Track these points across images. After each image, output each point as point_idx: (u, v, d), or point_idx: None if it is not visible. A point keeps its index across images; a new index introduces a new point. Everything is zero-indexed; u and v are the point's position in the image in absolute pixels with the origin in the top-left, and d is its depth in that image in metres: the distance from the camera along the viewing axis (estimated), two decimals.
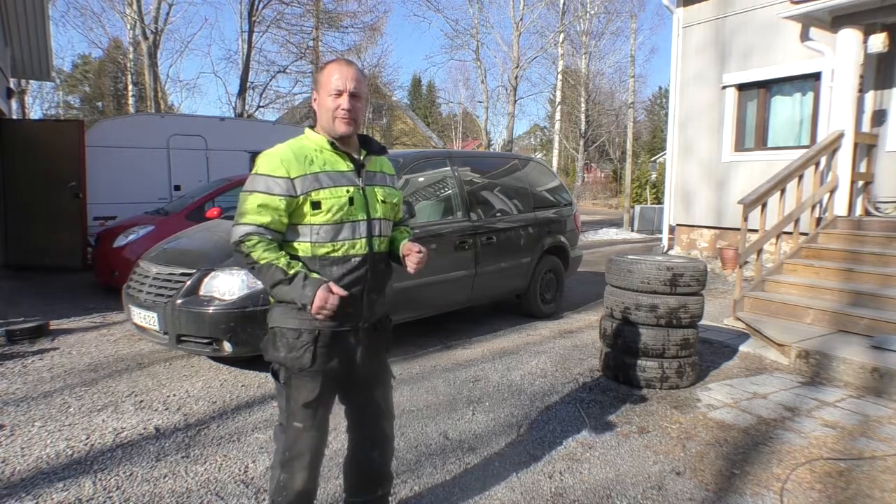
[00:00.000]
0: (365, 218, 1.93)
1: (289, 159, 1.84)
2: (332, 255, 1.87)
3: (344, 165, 1.93)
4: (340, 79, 1.88)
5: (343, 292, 1.81)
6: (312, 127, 2.01)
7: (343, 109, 1.87)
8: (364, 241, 1.93)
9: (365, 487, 2.20)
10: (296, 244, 1.88)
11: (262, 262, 1.79)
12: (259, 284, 3.93)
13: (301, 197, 1.83)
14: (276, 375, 1.93)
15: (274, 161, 1.84)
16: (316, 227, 1.86)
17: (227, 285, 3.96)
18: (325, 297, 1.76)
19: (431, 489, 2.67)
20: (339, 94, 1.88)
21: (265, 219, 1.81)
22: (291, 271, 1.79)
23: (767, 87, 8.12)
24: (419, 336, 5.17)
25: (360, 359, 1.98)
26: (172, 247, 4.70)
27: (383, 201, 2.01)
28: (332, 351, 1.91)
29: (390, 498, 2.56)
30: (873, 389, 3.95)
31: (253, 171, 1.87)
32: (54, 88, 30.62)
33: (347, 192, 1.89)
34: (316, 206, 1.84)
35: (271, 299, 1.96)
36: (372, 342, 2.02)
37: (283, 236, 1.87)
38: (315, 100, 1.96)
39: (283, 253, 1.84)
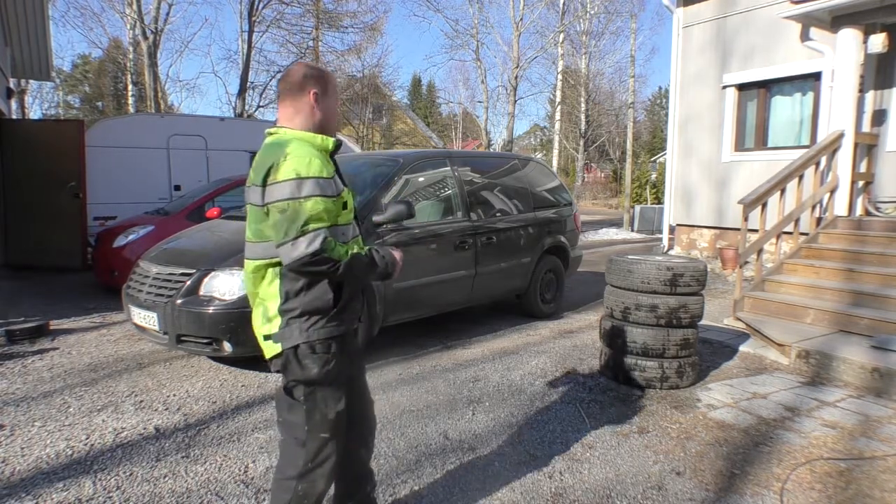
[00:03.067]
0: (355, 216, 2.02)
1: (322, 158, 1.80)
2: None
3: (332, 167, 1.92)
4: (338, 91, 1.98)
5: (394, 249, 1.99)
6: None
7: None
8: (360, 237, 2.01)
9: (356, 487, 2.20)
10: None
11: (346, 258, 1.76)
12: None
13: (339, 197, 1.83)
14: (290, 393, 1.85)
15: (315, 162, 1.74)
16: (342, 228, 1.86)
17: (227, 285, 3.96)
18: (399, 255, 1.98)
19: (431, 489, 2.67)
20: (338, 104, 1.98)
21: (329, 222, 1.75)
22: (364, 252, 1.87)
23: (767, 87, 8.12)
24: (419, 336, 5.17)
25: (357, 356, 2.06)
26: (172, 247, 4.70)
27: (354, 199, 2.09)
28: (348, 354, 1.92)
29: (390, 498, 2.57)
30: (873, 389, 3.95)
31: (291, 177, 1.70)
32: (54, 88, 30.61)
33: (348, 192, 1.94)
34: (345, 206, 1.87)
35: (278, 317, 1.81)
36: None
37: None
38: (317, 100, 1.89)
39: (342, 244, 1.81)
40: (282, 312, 1.81)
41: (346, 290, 1.86)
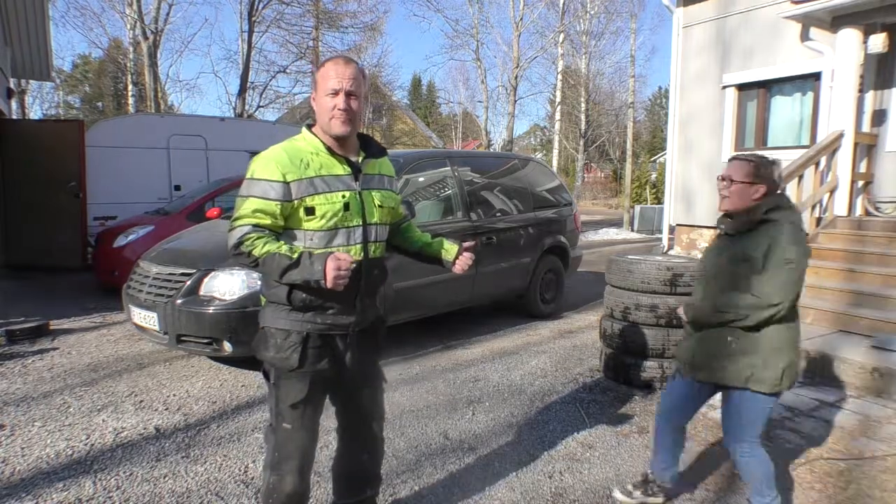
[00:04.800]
0: (360, 223, 1.89)
1: (284, 162, 1.80)
2: None
3: (340, 169, 1.87)
4: (336, 77, 1.82)
5: (349, 257, 1.75)
6: (311, 126, 1.94)
7: (339, 109, 1.81)
8: (359, 247, 1.89)
9: (355, 489, 2.20)
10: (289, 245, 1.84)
11: (265, 255, 1.75)
12: (259, 284, 3.94)
13: (296, 202, 1.79)
14: (266, 376, 1.94)
15: (269, 165, 1.80)
16: (309, 233, 1.83)
17: (227, 285, 3.97)
18: (336, 265, 1.71)
19: (431, 489, 2.67)
20: (336, 93, 1.82)
21: (263, 220, 1.79)
22: (295, 254, 1.75)
23: (767, 87, 8.12)
24: (419, 336, 5.17)
25: (350, 361, 1.96)
26: (172, 247, 4.71)
27: (380, 206, 1.96)
28: (322, 352, 1.88)
29: (390, 498, 2.57)
30: (873, 389, 3.94)
31: (248, 175, 1.83)
32: (54, 88, 30.57)
33: (343, 197, 1.84)
34: (310, 211, 1.80)
35: (262, 298, 1.95)
36: (363, 345, 2.00)
37: (279, 237, 1.84)
38: (314, 99, 1.91)
39: (283, 242, 1.80)
40: (262, 296, 1.96)
41: (306, 290, 1.81)
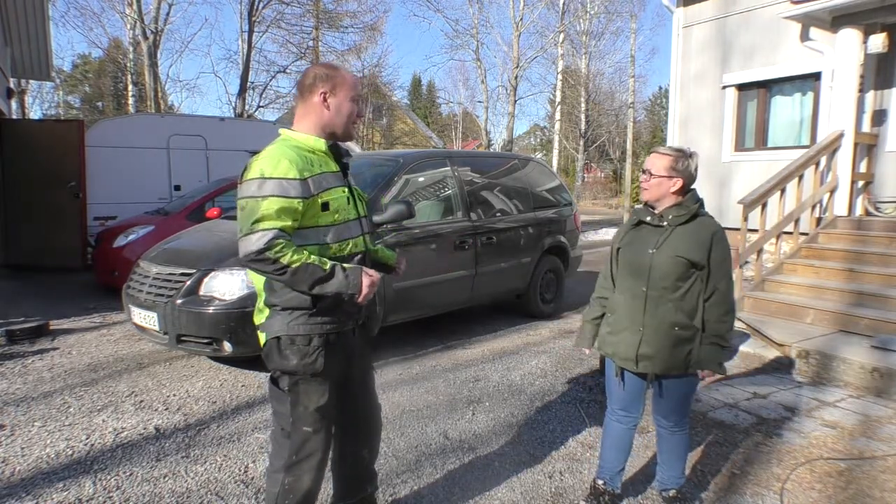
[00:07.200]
0: (357, 216, 1.97)
1: (296, 160, 1.78)
2: (339, 255, 1.88)
3: (334, 166, 1.93)
4: (357, 87, 1.93)
5: (375, 273, 1.85)
6: (289, 127, 1.96)
7: (360, 116, 1.96)
8: (361, 238, 1.97)
9: (356, 488, 2.21)
10: (305, 249, 1.80)
11: (296, 264, 1.70)
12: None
13: (313, 197, 1.80)
14: (276, 383, 1.91)
15: (282, 163, 1.76)
16: (323, 230, 1.84)
17: (227, 285, 3.96)
18: (371, 280, 1.81)
19: (431, 489, 2.67)
20: (358, 100, 1.93)
21: (286, 222, 1.73)
22: (327, 266, 1.75)
23: (767, 87, 8.12)
24: (419, 336, 5.17)
25: (356, 357, 2.03)
26: (172, 247, 4.70)
27: (364, 200, 2.08)
28: (339, 352, 1.92)
29: (390, 497, 2.57)
30: (873, 389, 3.94)
31: (256, 176, 1.75)
32: (54, 88, 30.54)
33: (343, 191, 1.91)
34: (325, 206, 1.83)
35: (265, 309, 1.90)
36: (363, 339, 2.08)
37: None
38: (326, 96, 1.88)
39: (306, 252, 1.76)
40: (268, 305, 1.88)
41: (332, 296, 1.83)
